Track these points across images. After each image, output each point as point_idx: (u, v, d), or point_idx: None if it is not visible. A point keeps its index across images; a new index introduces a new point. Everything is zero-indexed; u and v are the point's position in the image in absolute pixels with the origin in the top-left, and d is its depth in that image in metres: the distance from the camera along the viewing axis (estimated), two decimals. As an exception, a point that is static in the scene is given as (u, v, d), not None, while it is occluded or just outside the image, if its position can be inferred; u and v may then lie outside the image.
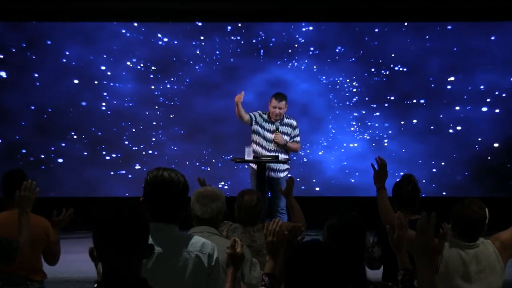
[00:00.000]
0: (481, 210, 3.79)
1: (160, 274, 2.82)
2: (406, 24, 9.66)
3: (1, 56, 9.60)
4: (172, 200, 2.89)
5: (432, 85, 9.64)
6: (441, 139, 9.64)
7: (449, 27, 9.66)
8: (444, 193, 9.55)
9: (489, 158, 9.61)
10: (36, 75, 9.58)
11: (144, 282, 2.20)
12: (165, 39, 9.67)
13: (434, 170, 9.61)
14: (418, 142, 9.64)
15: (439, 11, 9.53)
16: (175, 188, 2.89)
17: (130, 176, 9.58)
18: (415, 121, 9.65)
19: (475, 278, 3.75)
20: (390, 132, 9.66)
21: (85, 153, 9.59)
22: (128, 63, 9.65)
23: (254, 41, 9.68)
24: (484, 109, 9.62)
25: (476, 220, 3.77)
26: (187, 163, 9.55)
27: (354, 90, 9.66)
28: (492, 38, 9.62)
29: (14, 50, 9.59)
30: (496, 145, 9.61)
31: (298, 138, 7.93)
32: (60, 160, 9.59)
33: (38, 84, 9.57)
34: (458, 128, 9.64)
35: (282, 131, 7.79)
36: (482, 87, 9.62)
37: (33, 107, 9.58)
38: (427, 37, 9.64)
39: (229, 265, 3.03)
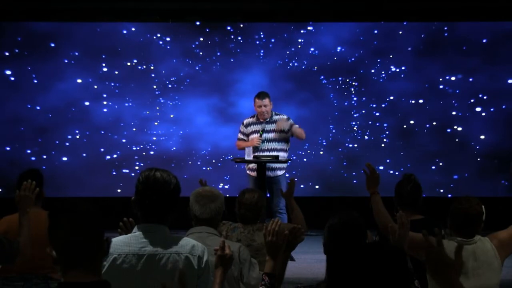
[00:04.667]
0: (478, 206, 3.83)
1: (150, 275, 2.82)
2: (405, 23, 9.64)
3: (1, 56, 9.59)
4: (163, 201, 2.88)
5: (432, 85, 9.62)
6: (441, 139, 9.62)
7: (450, 27, 9.65)
8: (443, 193, 9.54)
9: (489, 158, 9.60)
10: (36, 75, 9.56)
11: (104, 284, 2.19)
12: (165, 39, 9.66)
13: (434, 170, 9.59)
14: (418, 142, 9.62)
15: (439, 10, 9.53)
16: (166, 189, 2.87)
17: (130, 176, 9.56)
18: (414, 121, 9.64)
19: (472, 274, 3.76)
20: (389, 132, 9.64)
21: (85, 153, 9.58)
22: (128, 63, 9.64)
23: (254, 41, 9.67)
24: (481, 109, 9.61)
25: (473, 215, 3.80)
26: (188, 163, 9.55)
27: (354, 90, 9.64)
28: (493, 37, 9.61)
29: (13, 50, 9.58)
30: (496, 143, 9.61)
31: (296, 125, 7.64)
32: (60, 160, 9.58)
33: (38, 84, 9.56)
34: (458, 128, 9.62)
35: (271, 129, 7.69)
36: (483, 86, 9.60)
37: (32, 107, 9.57)
38: (427, 36, 9.63)
39: (218, 266, 3.02)
